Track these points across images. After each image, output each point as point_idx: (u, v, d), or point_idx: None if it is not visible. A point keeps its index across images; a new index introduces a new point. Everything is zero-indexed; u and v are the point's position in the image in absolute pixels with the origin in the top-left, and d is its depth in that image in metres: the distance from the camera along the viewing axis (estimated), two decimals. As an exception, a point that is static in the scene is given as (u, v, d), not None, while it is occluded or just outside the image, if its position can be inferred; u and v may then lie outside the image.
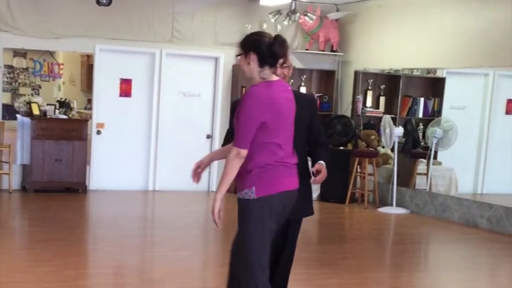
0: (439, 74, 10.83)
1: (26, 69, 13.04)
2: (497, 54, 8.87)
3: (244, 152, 3.75)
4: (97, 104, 10.57)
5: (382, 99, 11.20)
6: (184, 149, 10.83)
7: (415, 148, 10.67)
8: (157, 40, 10.67)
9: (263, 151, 3.79)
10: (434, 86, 10.94)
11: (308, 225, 7.50)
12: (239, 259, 3.89)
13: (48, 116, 10.07)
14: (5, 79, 11.85)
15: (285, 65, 4.20)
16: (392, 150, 10.35)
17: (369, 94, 11.19)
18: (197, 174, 4.11)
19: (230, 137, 4.15)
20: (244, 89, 10.33)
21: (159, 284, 5.80)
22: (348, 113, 11.15)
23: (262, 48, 3.77)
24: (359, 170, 10.54)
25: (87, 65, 12.32)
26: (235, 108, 3.90)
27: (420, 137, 10.70)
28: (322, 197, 10.52)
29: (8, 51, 11.53)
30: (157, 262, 6.62)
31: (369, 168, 10.42)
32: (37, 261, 6.28)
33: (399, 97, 10.91)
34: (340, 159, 10.39)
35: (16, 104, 10.43)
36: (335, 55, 11.56)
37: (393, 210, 10.05)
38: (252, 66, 3.81)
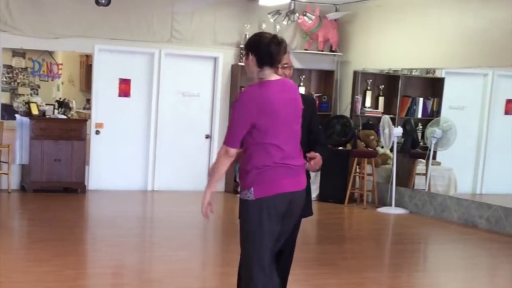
0: (438, 74, 10.83)
1: (25, 69, 13.04)
2: (496, 54, 8.86)
3: (233, 151, 3.81)
4: (96, 104, 10.56)
5: (381, 99, 11.20)
6: (183, 149, 10.85)
7: (414, 148, 10.66)
8: (156, 40, 10.66)
9: (260, 151, 3.81)
10: (433, 86, 10.93)
11: (307, 225, 7.52)
12: (241, 259, 3.96)
13: (47, 116, 10.07)
14: (4, 79, 11.84)
15: (285, 65, 4.21)
16: (391, 150, 10.35)
17: (368, 94, 11.19)
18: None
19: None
20: (242, 89, 10.31)
21: (158, 284, 5.80)
22: (347, 113, 11.15)
23: (260, 49, 3.80)
24: (358, 170, 10.54)
25: (86, 65, 12.31)
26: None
27: (419, 137, 10.70)
28: (321, 197, 10.52)
29: (7, 51, 11.52)
30: (156, 262, 6.62)
31: (368, 168, 10.42)
32: (36, 261, 6.27)
33: (398, 97, 10.90)
34: (339, 159, 10.41)
35: (15, 104, 10.42)
36: (334, 55, 11.55)
37: (392, 210, 10.05)
38: (251, 66, 3.84)
